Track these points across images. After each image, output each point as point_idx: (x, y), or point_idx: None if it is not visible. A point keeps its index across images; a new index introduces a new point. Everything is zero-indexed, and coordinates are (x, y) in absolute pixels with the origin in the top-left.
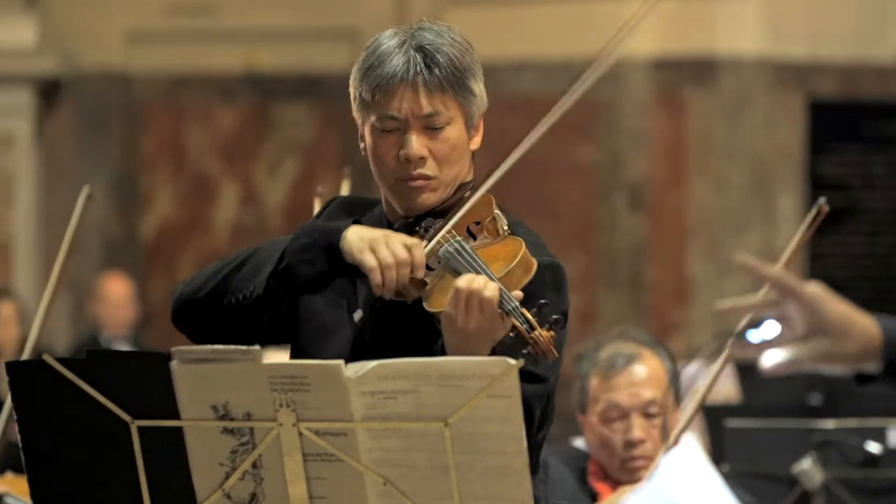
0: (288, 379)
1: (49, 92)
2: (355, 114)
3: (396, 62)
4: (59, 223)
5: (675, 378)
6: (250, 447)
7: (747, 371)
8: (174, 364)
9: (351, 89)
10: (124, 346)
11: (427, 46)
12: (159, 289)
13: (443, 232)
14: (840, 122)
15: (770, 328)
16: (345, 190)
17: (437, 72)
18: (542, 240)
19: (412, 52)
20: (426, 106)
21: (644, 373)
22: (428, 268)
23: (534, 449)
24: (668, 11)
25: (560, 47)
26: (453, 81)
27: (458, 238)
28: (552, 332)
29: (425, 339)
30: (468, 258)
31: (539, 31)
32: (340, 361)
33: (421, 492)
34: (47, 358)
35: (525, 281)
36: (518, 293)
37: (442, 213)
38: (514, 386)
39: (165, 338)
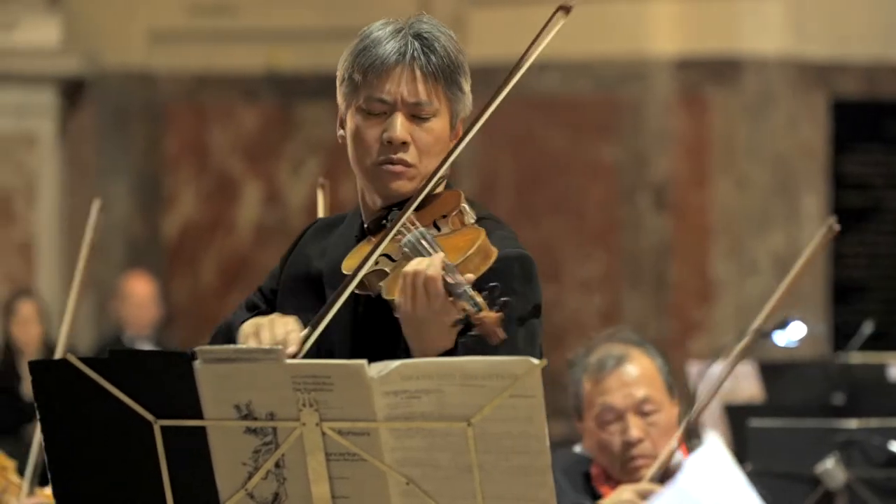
0: (311, 379)
1: (72, 92)
2: (340, 98)
3: (394, 45)
4: (82, 223)
5: (668, 374)
6: (273, 447)
7: (770, 370)
8: (197, 363)
9: (339, 72)
10: (147, 346)
11: (425, 35)
12: (182, 289)
13: (403, 219)
14: (863, 122)
15: (796, 329)
16: None
17: (433, 59)
18: (515, 235)
19: (410, 38)
20: (421, 92)
21: (635, 372)
22: (391, 259)
23: None
24: (691, 11)
25: (582, 47)
26: (447, 74)
27: (421, 228)
28: (500, 314)
29: (395, 331)
30: (427, 246)
31: (561, 32)
32: (363, 361)
33: (444, 491)
34: (70, 357)
35: (483, 268)
36: (469, 276)
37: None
38: (536, 386)
39: (188, 337)
